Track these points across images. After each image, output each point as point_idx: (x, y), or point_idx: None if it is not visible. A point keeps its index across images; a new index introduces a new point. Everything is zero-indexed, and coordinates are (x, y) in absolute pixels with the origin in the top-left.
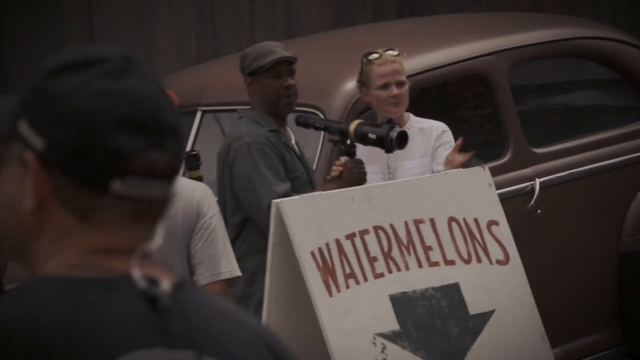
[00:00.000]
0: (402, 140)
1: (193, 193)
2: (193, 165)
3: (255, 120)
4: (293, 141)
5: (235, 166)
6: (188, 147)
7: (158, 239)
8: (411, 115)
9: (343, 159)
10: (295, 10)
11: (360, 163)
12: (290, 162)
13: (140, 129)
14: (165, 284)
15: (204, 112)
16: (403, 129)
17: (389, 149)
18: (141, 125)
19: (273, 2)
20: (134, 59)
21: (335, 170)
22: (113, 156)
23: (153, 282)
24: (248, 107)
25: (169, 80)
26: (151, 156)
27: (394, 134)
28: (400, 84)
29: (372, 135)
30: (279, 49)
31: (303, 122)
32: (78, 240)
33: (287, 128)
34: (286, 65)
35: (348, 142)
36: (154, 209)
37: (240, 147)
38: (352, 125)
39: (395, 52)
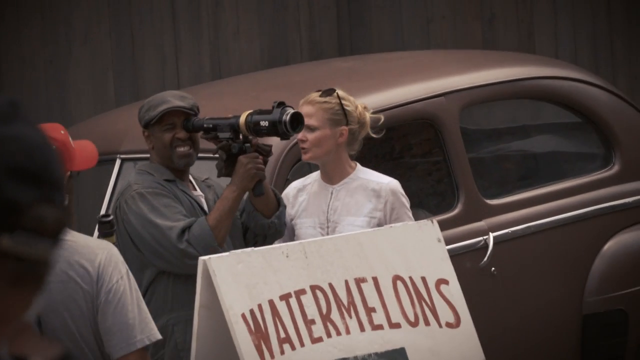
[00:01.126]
0: (296, 122)
1: (95, 255)
2: (107, 232)
3: (146, 171)
4: (197, 191)
5: (130, 215)
6: (105, 201)
7: (36, 307)
8: (358, 166)
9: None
10: (224, 47)
11: (255, 158)
12: (189, 209)
13: (31, 180)
14: None
15: (123, 159)
16: (295, 110)
17: (284, 135)
18: (33, 176)
19: (199, 38)
20: (20, 105)
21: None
22: (3, 208)
23: None
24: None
25: (84, 125)
26: (41, 211)
27: (286, 116)
28: (309, 128)
29: (264, 123)
30: (173, 99)
31: (191, 126)
32: None
33: (192, 181)
34: (181, 115)
35: (241, 137)
36: (38, 271)
37: (131, 196)
38: (242, 117)
39: (316, 93)
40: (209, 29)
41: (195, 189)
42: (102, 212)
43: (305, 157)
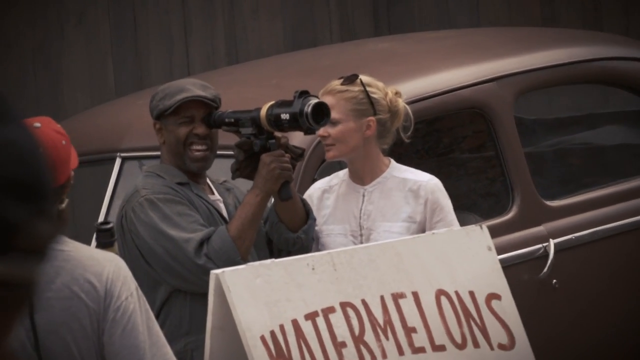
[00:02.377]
0: (320, 113)
1: (102, 268)
2: (106, 242)
3: (156, 173)
4: (215, 195)
5: (138, 226)
6: (104, 205)
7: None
8: (392, 162)
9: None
10: (241, 26)
11: (280, 156)
12: (207, 215)
13: (25, 194)
14: None
15: (124, 158)
16: (319, 100)
17: (308, 130)
18: (26, 189)
19: (212, 17)
20: (7, 101)
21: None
22: None
23: None
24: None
25: (80, 119)
26: (35, 228)
27: (308, 108)
28: (331, 122)
29: (284, 116)
30: (193, 87)
31: (212, 121)
32: None
33: (209, 184)
34: (201, 108)
35: (265, 133)
36: (22, 293)
37: (139, 203)
38: (264, 109)
39: (337, 81)
40: (224, 6)
41: (213, 193)
42: (101, 218)
43: (328, 155)
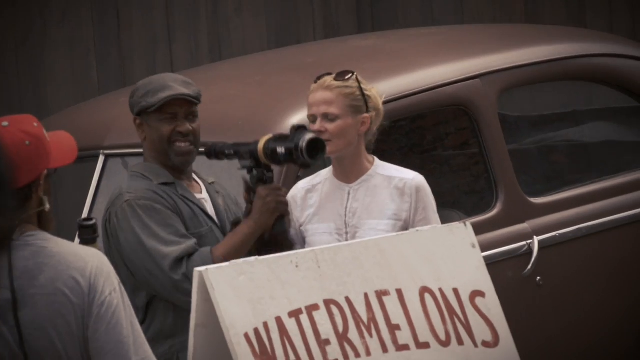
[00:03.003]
0: (314, 149)
1: (85, 263)
2: (89, 238)
3: (141, 173)
4: (202, 194)
5: (120, 231)
6: (88, 203)
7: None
8: (376, 160)
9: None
10: (224, 23)
11: (277, 190)
12: (191, 217)
13: None
14: None
15: (107, 156)
16: (316, 136)
17: (303, 164)
18: None
19: (195, 14)
20: None
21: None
22: None
23: None
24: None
25: (63, 116)
26: None
27: (303, 143)
28: (328, 117)
29: (281, 150)
30: (176, 85)
31: (213, 153)
32: None
33: (195, 179)
34: (184, 105)
35: (262, 166)
36: None
37: (121, 207)
38: (261, 143)
39: (331, 77)
40: (207, 3)
41: (200, 191)
42: (84, 215)
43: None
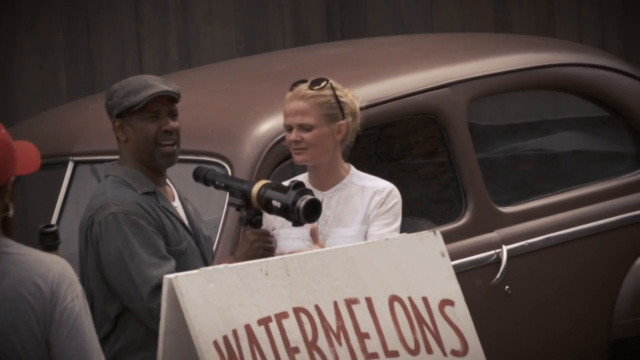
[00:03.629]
0: (311, 212)
1: (48, 270)
2: (50, 245)
3: (124, 180)
4: (176, 201)
5: (101, 244)
6: (56, 210)
7: None
8: (352, 169)
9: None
10: (194, 31)
11: (265, 235)
12: (173, 233)
13: None
14: None
15: (76, 162)
16: (313, 197)
17: (296, 222)
18: None
19: (165, 22)
20: None
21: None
22: None
23: None
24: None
25: (32, 122)
26: None
27: (301, 203)
28: (304, 127)
29: (276, 203)
30: (157, 83)
31: (202, 178)
32: None
33: (168, 184)
34: (167, 103)
35: (252, 208)
36: None
37: (106, 219)
38: (256, 187)
39: (306, 86)
40: (177, 11)
41: (174, 198)
42: (53, 221)
43: (298, 158)
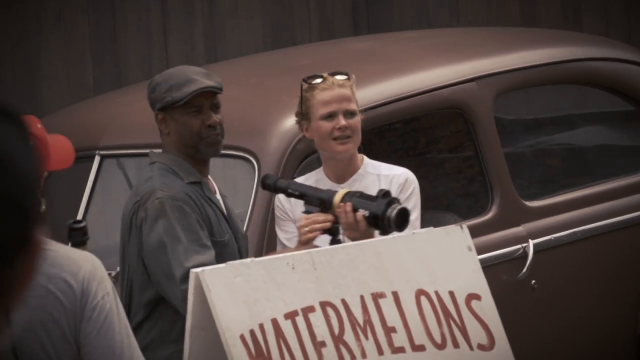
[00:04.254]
0: (402, 220)
1: (78, 267)
2: (78, 241)
3: (171, 168)
4: (218, 194)
5: (145, 228)
6: (82, 204)
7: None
8: (365, 159)
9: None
10: (220, 25)
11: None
12: (216, 224)
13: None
14: None
15: (103, 156)
16: (403, 205)
17: (385, 231)
18: (18, 202)
19: (191, 16)
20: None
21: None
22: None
23: None
24: (159, 149)
25: (58, 116)
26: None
27: (392, 212)
28: (350, 114)
29: (364, 212)
30: (199, 77)
31: (272, 187)
32: None
33: (209, 178)
34: (209, 97)
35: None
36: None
37: (153, 204)
38: (338, 196)
39: (343, 76)
40: (203, 5)
41: (216, 192)
42: (80, 217)
43: (346, 147)
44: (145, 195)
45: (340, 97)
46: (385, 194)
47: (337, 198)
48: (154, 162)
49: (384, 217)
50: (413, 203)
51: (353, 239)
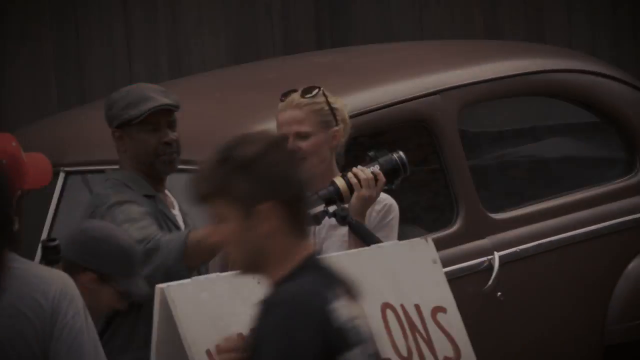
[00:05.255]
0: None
1: (49, 285)
2: (52, 259)
3: (124, 183)
4: (175, 209)
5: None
6: (47, 222)
7: None
8: None
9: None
10: (183, 40)
11: None
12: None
13: None
14: None
15: (67, 173)
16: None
17: (398, 174)
18: None
19: (155, 30)
20: None
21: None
22: None
23: None
24: (117, 167)
25: (22, 133)
26: None
27: (398, 153)
28: (300, 135)
29: (373, 168)
30: (156, 95)
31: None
32: None
33: (167, 192)
34: (166, 115)
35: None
36: None
37: (108, 208)
38: (339, 180)
39: (306, 94)
40: (166, 20)
41: (174, 207)
42: (44, 234)
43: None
44: (95, 208)
45: (290, 119)
46: (375, 151)
47: (340, 182)
48: (108, 179)
49: (399, 164)
50: (390, 230)
51: (361, 207)
